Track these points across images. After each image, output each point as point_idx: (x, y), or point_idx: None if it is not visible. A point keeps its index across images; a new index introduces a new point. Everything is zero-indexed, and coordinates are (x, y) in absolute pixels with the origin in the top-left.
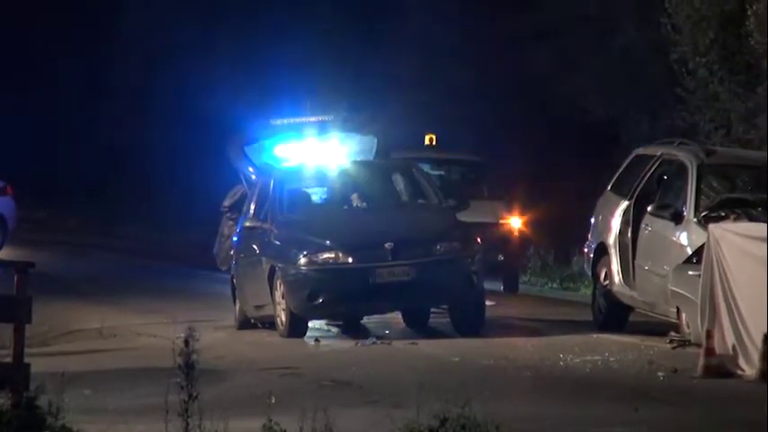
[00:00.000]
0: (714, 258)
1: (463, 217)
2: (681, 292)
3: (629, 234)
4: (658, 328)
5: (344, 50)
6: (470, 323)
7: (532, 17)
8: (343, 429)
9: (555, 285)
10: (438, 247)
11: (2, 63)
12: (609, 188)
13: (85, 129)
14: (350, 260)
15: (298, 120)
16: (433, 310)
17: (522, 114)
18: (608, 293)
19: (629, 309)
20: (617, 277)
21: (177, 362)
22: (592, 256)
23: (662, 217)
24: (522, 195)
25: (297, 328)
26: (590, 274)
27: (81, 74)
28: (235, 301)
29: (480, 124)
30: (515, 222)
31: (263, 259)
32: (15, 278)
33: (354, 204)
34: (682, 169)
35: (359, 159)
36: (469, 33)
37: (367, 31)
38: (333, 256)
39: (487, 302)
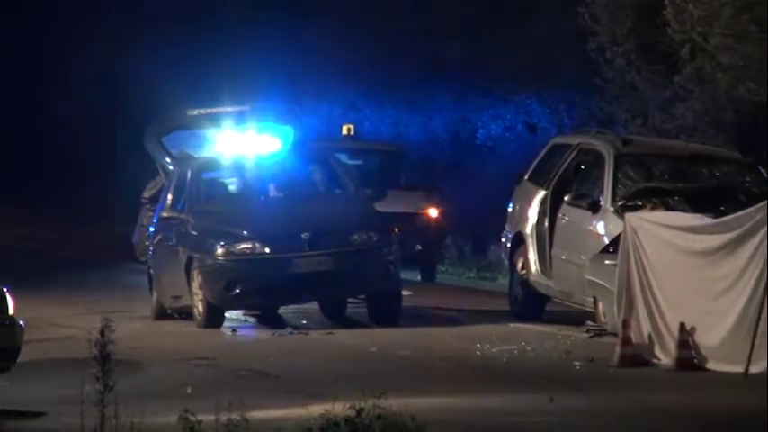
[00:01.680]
0: (631, 248)
1: (380, 207)
2: (597, 281)
3: (546, 223)
4: (575, 318)
5: (264, 41)
6: (387, 313)
7: (451, 7)
8: (259, 420)
9: (472, 275)
10: (355, 237)
11: None
12: (526, 177)
13: (11, 120)
14: (267, 250)
15: (215, 110)
16: (350, 300)
17: (439, 103)
18: (525, 283)
19: (546, 298)
20: (534, 267)
21: (93, 353)
22: (509, 245)
23: (579, 206)
24: (440, 185)
25: (214, 318)
26: (507, 263)
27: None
28: (152, 292)
29: (398, 115)
30: (433, 212)
31: (181, 250)
32: None
33: (271, 195)
34: (599, 159)
35: (276, 150)
36: (386, 24)
37: (286, 20)
38: (250, 246)
39: (405, 292)
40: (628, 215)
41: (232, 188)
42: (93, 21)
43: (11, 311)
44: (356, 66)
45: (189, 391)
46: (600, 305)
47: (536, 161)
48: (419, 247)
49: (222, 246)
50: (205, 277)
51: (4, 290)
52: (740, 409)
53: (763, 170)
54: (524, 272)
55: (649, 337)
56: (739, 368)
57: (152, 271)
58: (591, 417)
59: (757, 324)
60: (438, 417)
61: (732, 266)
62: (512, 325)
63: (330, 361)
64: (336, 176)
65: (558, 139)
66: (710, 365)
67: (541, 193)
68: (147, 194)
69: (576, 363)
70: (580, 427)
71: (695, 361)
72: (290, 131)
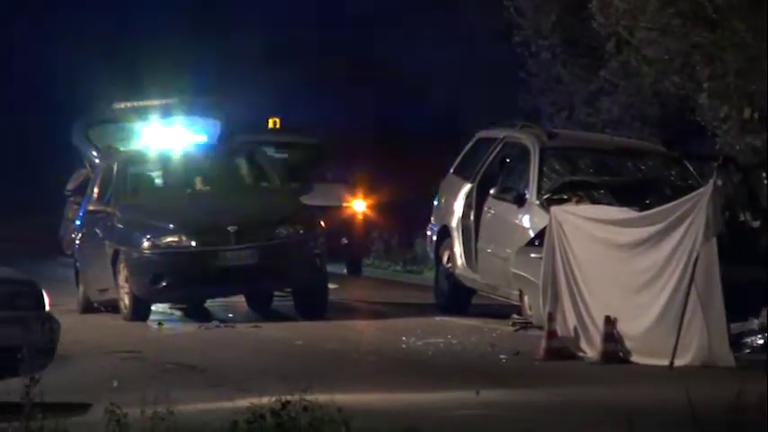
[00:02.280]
0: (556, 241)
1: (307, 200)
2: (523, 274)
3: (472, 217)
4: (501, 311)
5: (190, 34)
6: (314, 306)
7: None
8: (185, 413)
9: (398, 268)
10: (281, 230)
11: None
12: (452, 171)
13: None
14: (193, 243)
15: (141, 103)
16: (276, 293)
17: (368, 98)
18: (450, 276)
19: (472, 291)
20: (459, 260)
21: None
22: (435, 238)
23: (504, 200)
24: (366, 179)
25: (140, 311)
26: (433, 256)
27: None
28: (78, 285)
29: (325, 108)
30: (359, 206)
31: (107, 243)
32: None
33: (198, 188)
34: (524, 152)
35: (202, 143)
36: (317, 15)
37: (212, 14)
38: (176, 239)
39: (331, 286)
40: (553, 208)
41: (158, 181)
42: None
43: (47, 308)
44: (284, 58)
45: (115, 384)
46: (525, 298)
47: (462, 154)
48: (345, 241)
49: (148, 239)
50: (131, 270)
51: (39, 286)
52: (666, 402)
53: (687, 163)
54: (450, 265)
55: (575, 330)
56: (664, 361)
57: (78, 264)
58: (516, 410)
59: (682, 317)
60: (364, 409)
61: (656, 259)
62: (437, 318)
63: (256, 354)
64: (263, 170)
65: (484, 133)
66: (635, 358)
67: (467, 187)
68: (70, 186)
69: (502, 356)
70: (506, 421)
71: (620, 354)
72: (216, 125)
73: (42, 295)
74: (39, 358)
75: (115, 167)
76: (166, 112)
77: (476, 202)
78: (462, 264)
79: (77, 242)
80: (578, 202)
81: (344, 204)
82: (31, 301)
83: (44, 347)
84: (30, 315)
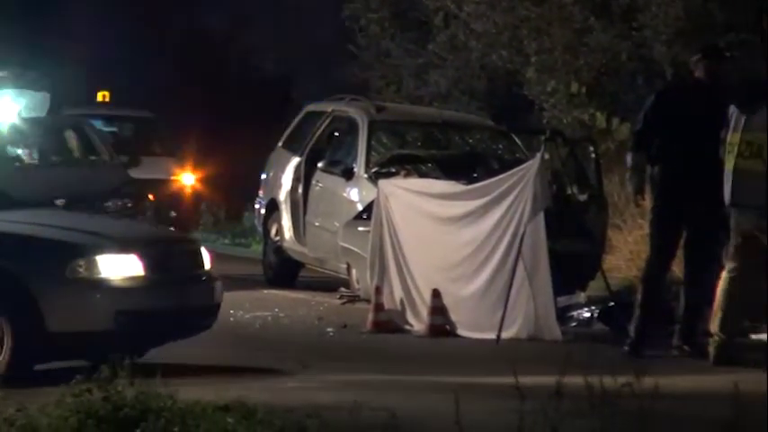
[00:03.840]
0: (384, 214)
1: (135, 173)
2: (350, 247)
3: (300, 190)
4: (328, 284)
5: (18, 5)
6: None
7: None
8: None
9: (227, 241)
10: (109, 203)
11: None
12: (280, 144)
13: None
14: None
15: None
16: None
17: (197, 71)
18: (278, 249)
19: (300, 265)
20: (288, 233)
21: None
22: (263, 212)
23: (333, 173)
24: (195, 151)
25: None
26: (261, 230)
27: None
28: None
29: (155, 81)
30: (187, 179)
31: None
32: None
33: (26, 161)
34: (353, 125)
35: (31, 116)
36: None
37: None
38: None
39: None
40: (381, 182)
41: None
42: None
43: (207, 266)
44: (116, 31)
45: None
46: (353, 272)
47: (290, 128)
48: (174, 214)
49: None
50: None
51: (201, 245)
52: (492, 376)
53: (515, 137)
54: (278, 239)
55: (402, 303)
56: (491, 335)
57: None
58: (343, 383)
59: (509, 291)
60: (191, 382)
61: (482, 232)
62: (266, 291)
63: None
64: (91, 143)
65: (312, 107)
66: (462, 332)
67: (296, 160)
68: None
69: (329, 329)
70: (334, 393)
71: (447, 327)
72: (46, 97)
73: (201, 253)
74: (208, 318)
75: None
76: None
77: (304, 176)
78: (290, 237)
79: None
80: (406, 175)
81: (173, 177)
82: (198, 259)
83: (207, 308)
84: (198, 274)
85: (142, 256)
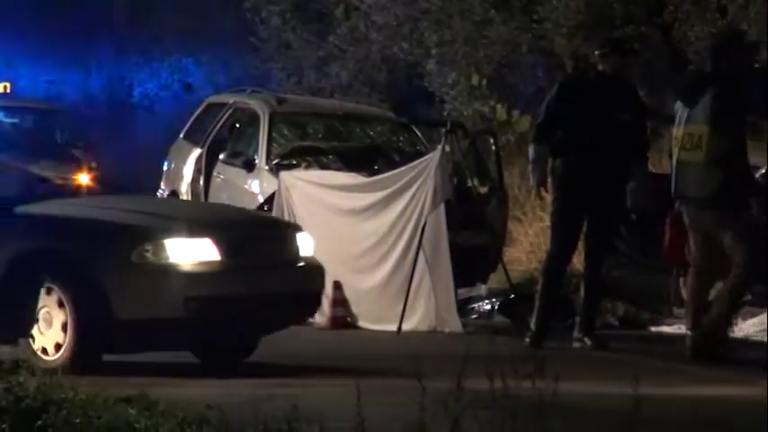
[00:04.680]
0: (285, 206)
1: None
2: None
3: (202, 182)
4: None
5: None
6: None
7: None
8: None
9: None
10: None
11: None
12: (182, 136)
13: None
14: None
15: None
16: None
17: (104, 62)
18: None
19: None
20: None
21: None
22: None
23: (234, 165)
24: (99, 143)
25: None
26: None
27: None
28: None
29: (55, 73)
30: (84, 178)
31: None
32: None
33: None
34: (254, 117)
35: None
36: None
37: None
38: None
39: None
40: (282, 174)
41: None
42: None
43: (306, 252)
44: (10, 21)
45: None
46: None
47: (191, 120)
48: None
49: None
50: None
51: (297, 230)
52: (393, 368)
53: (416, 129)
54: None
55: None
56: (392, 326)
57: None
58: (244, 376)
59: (410, 283)
60: (93, 375)
61: (383, 225)
62: None
63: None
64: None
65: (214, 98)
66: (363, 324)
67: (197, 152)
68: None
69: None
70: (236, 386)
71: (348, 319)
72: None
73: (294, 237)
74: (301, 307)
75: None
76: None
77: (205, 168)
78: None
79: None
80: (307, 167)
81: (74, 173)
82: (289, 243)
83: (305, 294)
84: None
85: (217, 240)
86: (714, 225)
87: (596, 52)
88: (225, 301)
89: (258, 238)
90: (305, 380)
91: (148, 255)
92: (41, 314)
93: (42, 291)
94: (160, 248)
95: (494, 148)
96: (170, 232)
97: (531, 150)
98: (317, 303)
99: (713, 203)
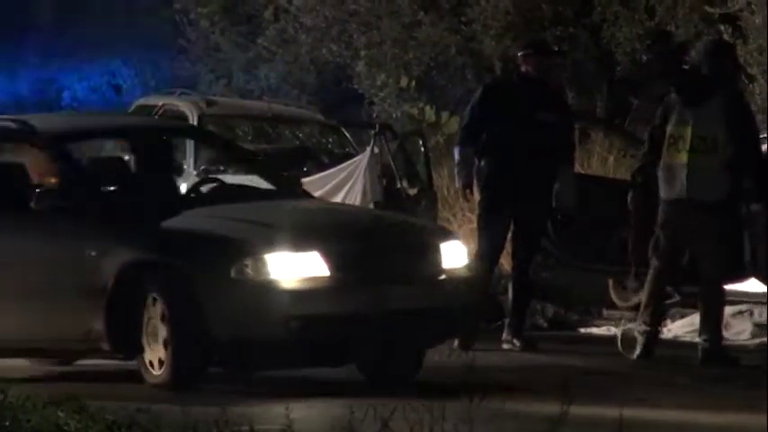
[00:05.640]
0: None
1: None
2: None
3: None
4: None
5: None
6: None
7: None
8: None
9: None
10: None
11: None
12: None
13: None
14: None
15: None
16: None
17: (23, 64)
18: None
19: None
20: None
21: None
22: None
23: None
24: None
25: None
26: None
27: None
28: None
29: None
30: None
31: None
32: None
33: None
34: (183, 120)
35: None
36: None
37: None
38: None
39: None
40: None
41: None
42: None
43: (454, 263)
44: None
45: None
46: None
47: None
48: None
49: None
50: None
51: (445, 238)
52: (322, 371)
53: (345, 131)
54: None
55: None
56: None
57: None
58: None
59: None
60: (23, 379)
61: None
62: None
63: None
64: None
65: (143, 101)
66: None
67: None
68: None
69: None
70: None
71: None
72: None
73: (450, 247)
74: (440, 324)
75: None
76: None
77: None
78: None
79: None
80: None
81: None
82: (425, 253)
83: (457, 309)
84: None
85: (326, 253)
86: (717, 226)
87: (519, 54)
88: (333, 320)
89: (380, 249)
90: (236, 384)
91: (248, 270)
92: (148, 327)
93: (149, 302)
94: (261, 263)
95: (423, 149)
96: (272, 246)
97: (456, 153)
98: (458, 321)
99: (726, 206)
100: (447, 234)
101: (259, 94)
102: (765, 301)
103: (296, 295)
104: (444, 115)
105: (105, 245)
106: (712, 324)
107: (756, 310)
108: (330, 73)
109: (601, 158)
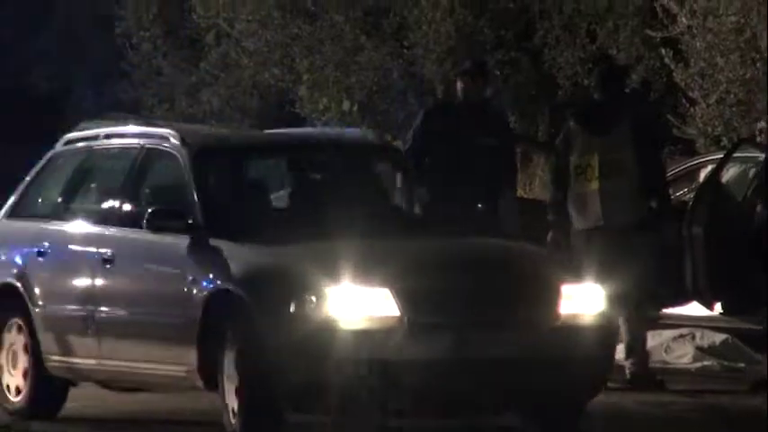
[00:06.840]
0: None
1: None
2: None
3: None
4: None
5: None
6: None
7: None
8: None
9: None
10: None
11: None
12: None
13: None
14: None
15: None
16: None
17: None
18: None
19: None
20: None
21: None
22: None
23: None
24: None
25: None
26: None
27: None
28: None
29: None
30: None
31: None
32: None
33: None
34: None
35: None
36: None
37: None
38: None
39: None
40: None
41: None
42: None
43: (581, 308)
44: None
45: None
46: None
47: None
48: None
49: None
50: None
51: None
52: None
53: None
54: None
55: None
56: None
57: None
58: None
59: None
60: None
61: None
62: None
63: None
64: None
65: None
66: None
67: None
68: None
69: None
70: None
71: None
72: None
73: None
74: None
75: None
76: None
77: None
78: None
79: None
80: None
81: None
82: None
83: (570, 360)
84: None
85: (398, 291)
86: (639, 248)
87: (454, 77)
88: (405, 366)
89: (468, 290)
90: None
91: (311, 306)
92: (225, 364)
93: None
94: (323, 300)
95: None
96: (336, 280)
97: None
98: (569, 374)
99: (642, 228)
100: (566, 275)
101: (202, 118)
102: (706, 324)
103: (361, 337)
104: (387, 139)
105: None
106: (638, 346)
107: (698, 334)
108: (273, 97)
109: (542, 182)
